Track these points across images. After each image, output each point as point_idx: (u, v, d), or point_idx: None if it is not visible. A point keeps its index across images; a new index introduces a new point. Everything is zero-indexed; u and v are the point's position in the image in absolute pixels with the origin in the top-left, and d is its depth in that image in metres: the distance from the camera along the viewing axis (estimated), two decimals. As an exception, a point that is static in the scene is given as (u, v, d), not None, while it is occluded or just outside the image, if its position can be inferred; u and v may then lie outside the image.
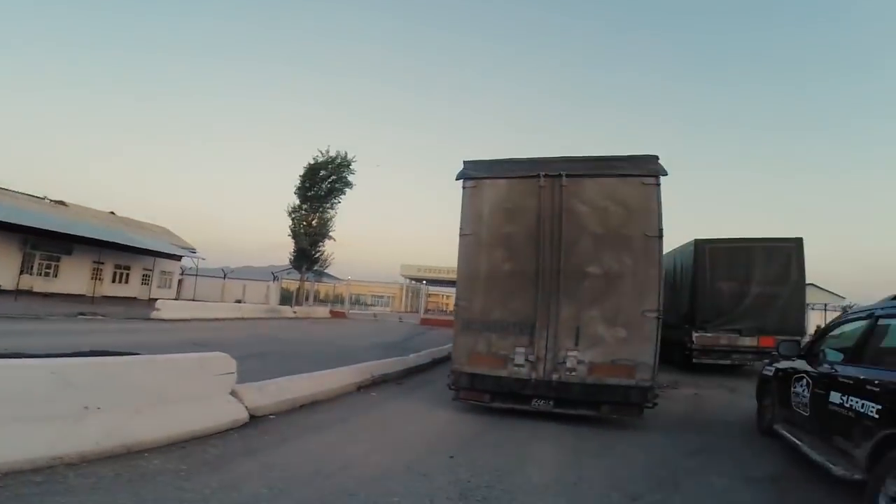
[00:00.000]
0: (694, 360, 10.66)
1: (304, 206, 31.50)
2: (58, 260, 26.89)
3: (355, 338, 16.87)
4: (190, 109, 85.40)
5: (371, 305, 47.63)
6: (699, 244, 11.32)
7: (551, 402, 5.71)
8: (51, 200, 29.63)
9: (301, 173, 31.35)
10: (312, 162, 31.34)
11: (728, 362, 10.64)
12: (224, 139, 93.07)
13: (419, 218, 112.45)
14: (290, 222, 31.46)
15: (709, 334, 10.58)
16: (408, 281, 46.79)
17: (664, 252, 6.02)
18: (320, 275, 35.20)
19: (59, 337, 9.85)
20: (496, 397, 5.93)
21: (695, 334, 10.64)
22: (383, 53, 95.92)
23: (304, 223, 31.45)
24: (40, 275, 25.94)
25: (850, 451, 3.47)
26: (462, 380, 6.06)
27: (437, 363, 10.59)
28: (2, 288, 23.18)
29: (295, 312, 27.67)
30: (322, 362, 7.74)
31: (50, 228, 23.63)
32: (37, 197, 29.03)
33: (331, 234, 32.25)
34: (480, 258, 6.21)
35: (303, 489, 3.37)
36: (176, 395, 4.23)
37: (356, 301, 43.11)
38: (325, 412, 5.72)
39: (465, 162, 6.49)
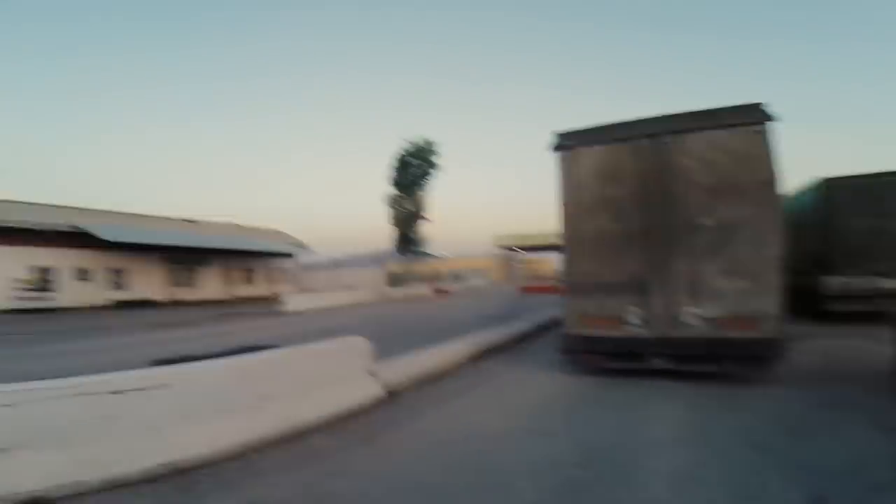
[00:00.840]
0: (828, 309, 9.73)
1: (399, 194, 33.82)
2: (195, 271, 31.12)
3: (460, 312, 17.62)
4: (280, 106, 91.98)
5: (469, 279, 48.65)
6: (827, 183, 10.22)
7: (672, 360, 5.70)
8: (182, 220, 34.05)
9: (390, 163, 33.67)
10: (400, 152, 33.38)
11: (871, 308, 9.52)
12: (314, 133, 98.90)
13: (508, 188, 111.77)
14: (387, 209, 33.90)
15: (843, 279, 9.60)
16: (502, 251, 47.17)
17: (784, 196, 5.65)
18: (420, 255, 36.97)
19: (211, 339, 11.52)
20: (612, 358, 6.05)
21: (827, 280, 9.71)
22: (460, 27, 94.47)
23: (400, 208, 33.69)
24: (184, 286, 30.25)
25: None
26: (575, 343, 6.24)
27: (542, 330, 10.82)
28: (156, 300, 27.49)
29: (402, 293, 29.45)
30: (435, 338, 8.28)
31: (186, 245, 27.43)
32: (170, 218, 33.54)
33: (425, 215, 34.18)
34: (584, 223, 6.28)
35: (441, 454, 3.83)
36: (326, 378, 4.91)
37: (455, 276, 44.35)
38: (447, 384, 6.25)
39: (557, 134, 6.54)
